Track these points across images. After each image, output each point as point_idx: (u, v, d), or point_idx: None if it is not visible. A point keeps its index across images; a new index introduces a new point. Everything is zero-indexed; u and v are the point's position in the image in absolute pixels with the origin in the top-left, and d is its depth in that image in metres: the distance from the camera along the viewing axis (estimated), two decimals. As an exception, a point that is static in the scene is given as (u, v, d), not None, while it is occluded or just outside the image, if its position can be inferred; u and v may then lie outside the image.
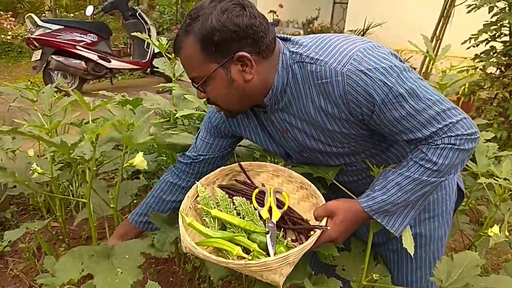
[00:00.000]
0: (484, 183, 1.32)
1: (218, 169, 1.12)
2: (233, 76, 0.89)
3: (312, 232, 0.91)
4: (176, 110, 1.61)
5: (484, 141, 1.56)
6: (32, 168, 1.32)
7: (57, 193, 1.77)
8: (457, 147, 0.85)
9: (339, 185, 1.07)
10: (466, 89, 3.32)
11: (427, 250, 1.14)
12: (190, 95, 1.64)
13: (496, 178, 1.30)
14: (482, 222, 2.09)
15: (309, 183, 1.05)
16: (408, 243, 0.93)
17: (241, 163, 1.14)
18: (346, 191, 1.05)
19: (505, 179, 1.31)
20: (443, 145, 0.85)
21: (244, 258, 0.88)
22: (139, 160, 1.19)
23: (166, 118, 2.16)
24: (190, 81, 0.96)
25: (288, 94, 0.94)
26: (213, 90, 0.93)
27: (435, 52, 3.10)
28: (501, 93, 3.03)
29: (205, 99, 0.99)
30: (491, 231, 1.26)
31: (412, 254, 0.93)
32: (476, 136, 0.87)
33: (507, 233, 1.30)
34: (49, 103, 1.49)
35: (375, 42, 0.89)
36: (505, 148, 2.85)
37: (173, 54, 1.76)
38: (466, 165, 1.49)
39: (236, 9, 0.84)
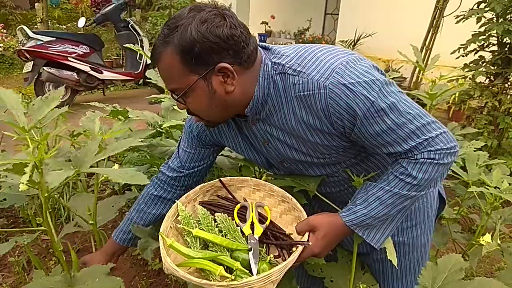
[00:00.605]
0: (475, 191, 1.33)
1: (199, 186, 1.11)
2: (214, 88, 0.87)
3: (294, 248, 0.91)
4: (163, 122, 1.61)
5: (475, 149, 1.58)
6: (21, 181, 1.30)
7: (46, 205, 1.75)
8: (436, 161, 0.86)
9: (321, 197, 1.07)
10: (456, 98, 3.36)
11: (410, 258, 1.15)
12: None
13: (487, 187, 1.31)
14: (474, 230, 2.10)
15: (290, 196, 1.06)
16: (391, 254, 0.94)
17: (221, 178, 1.14)
18: (329, 202, 1.05)
19: (495, 187, 1.32)
20: (423, 159, 0.86)
21: (227, 277, 0.87)
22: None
23: (155, 130, 2.16)
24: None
25: (269, 104, 0.93)
26: (194, 102, 0.91)
27: (425, 62, 3.14)
28: (491, 102, 3.07)
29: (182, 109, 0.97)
30: (483, 240, 1.27)
31: (396, 265, 0.94)
32: (455, 150, 0.88)
33: (499, 241, 1.31)
34: (39, 115, 1.48)
35: (357, 54, 0.89)
36: (495, 157, 2.88)
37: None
38: (457, 173, 1.50)
39: (216, 20, 0.82)
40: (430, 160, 0.86)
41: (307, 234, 0.93)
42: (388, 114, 0.83)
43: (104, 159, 1.44)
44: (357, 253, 1.17)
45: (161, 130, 1.65)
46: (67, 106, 1.46)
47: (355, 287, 1.06)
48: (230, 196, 1.13)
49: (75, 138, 2.02)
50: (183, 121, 1.63)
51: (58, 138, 2.49)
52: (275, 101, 0.92)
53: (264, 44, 0.97)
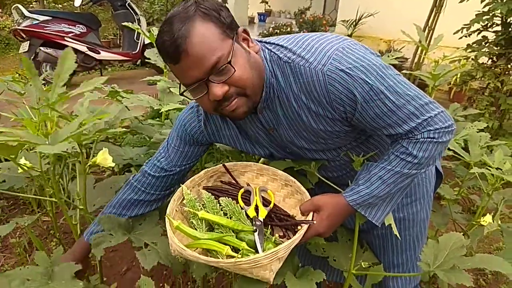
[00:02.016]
0: (477, 172, 1.32)
1: (203, 171, 1.12)
2: (247, 49, 0.88)
3: (299, 227, 0.93)
4: (160, 105, 1.58)
5: (477, 131, 1.56)
6: (20, 163, 1.29)
7: (47, 187, 1.75)
8: (436, 140, 0.87)
9: (324, 179, 1.08)
10: (458, 79, 3.33)
11: (410, 232, 1.19)
12: (176, 88, 1.62)
13: (488, 168, 1.30)
14: (474, 211, 2.11)
15: (293, 179, 1.07)
16: (394, 228, 0.98)
17: (225, 164, 1.14)
18: (332, 184, 1.06)
19: (497, 168, 1.31)
20: (423, 139, 0.87)
21: (234, 257, 0.88)
22: (102, 158, 1.10)
23: (157, 111, 2.14)
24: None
25: (273, 91, 0.94)
26: (239, 67, 0.84)
27: (427, 42, 3.10)
28: (493, 83, 3.05)
29: (223, 95, 0.86)
30: (484, 220, 1.27)
31: (398, 236, 0.97)
32: (453, 128, 0.89)
33: (499, 222, 1.31)
34: (37, 95, 1.46)
35: (351, 40, 0.90)
36: (497, 138, 2.87)
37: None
38: (459, 154, 1.49)
39: None
40: (430, 139, 0.87)
41: (311, 214, 0.95)
42: (388, 96, 0.84)
43: (94, 141, 1.39)
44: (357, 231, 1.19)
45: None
46: (65, 86, 1.43)
47: (356, 264, 1.07)
48: (233, 181, 1.13)
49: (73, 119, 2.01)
50: (180, 104, 1.61)
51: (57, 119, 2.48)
52: (278, 88, 0.93)
53: (257, 38, 0.97)
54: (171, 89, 1.70)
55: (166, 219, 0.95)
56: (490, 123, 2.99)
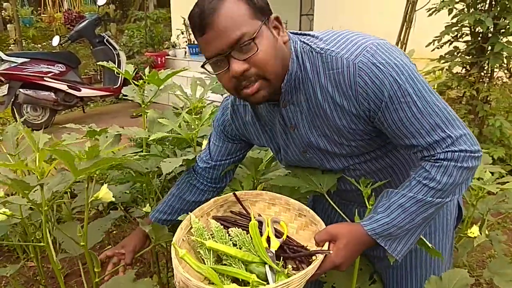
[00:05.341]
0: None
1: (212, 200, 1.09)
2: (275, 35, 0.87)
3: (314, 257, 0.87)
4: (149, 135, 1.57)
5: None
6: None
7: (30, 233, 1.71)
8: (460, 164, 0.83)
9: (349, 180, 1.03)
10: (435, 90, 3.40)
11: (427, 267, 1.10)
12: (164, 119, 1.61)
13: (470, 179, 1.31)
14: (462, 220, 2.12)
15: (307, 209, 1.02)
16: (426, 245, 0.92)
17: (236, 192, 1.11)
18: (354, 182, 1.01)
19: (479, 178, 1.33)
20: (447, 162, 0.83)
21: None
22: (104, 193, 1.16)
23: (139, 145, 2.13)
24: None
25: (300, 84, 0.92)
26: (264, 47, 0.84)
27: (401, 57, 3.16)
28: (469, 92, 3.11)
29: (241, 73, 0.86)
30: (471, 232, 1.27)
31: (432, 249, 0.91)
32: (479, 154, 0.85)
33: (487, 232, 1.31)
34: (14, 142, 1.44)
35: (387, 41, 0.89)
36: (478, 145, 2.90)
37: (141, 81, 1.74)
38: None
39: None
40: (454, 163, 0.83)
41: (326, 244, 0.88)
42: (415, 101, 0.81)
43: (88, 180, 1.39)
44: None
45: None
46: (47, 127, 1.42)
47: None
48: (244, 211, 1.09)
49: (54, 160, 1.98)
50: (169, 132, 1.60)
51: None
52: (306, 81, 0.91)
53: (292, 30, 0.98)
54: (159, 120, 1.69)
55: (172, 248, 0.91)
56: (470, 130, 3.04)
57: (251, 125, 1.10)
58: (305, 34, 0.94)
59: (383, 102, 0.83)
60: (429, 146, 0.84)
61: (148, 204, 1.63)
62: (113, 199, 1.18)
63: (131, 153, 1.31)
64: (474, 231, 1.25)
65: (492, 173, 1.36)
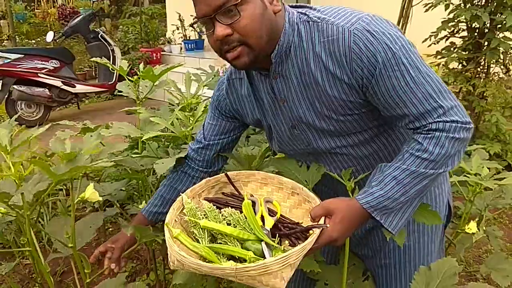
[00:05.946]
0: (456, 180, 1.33)
1: (204, 180, 1.07)
2: (265, 3, 0.88)
3: (311, 232, 0.86)
4: (142, 134, 1.55)
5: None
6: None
7: (29, 227, 1.68)
8: (452, 135, 0.84)
9: (336, 176, 1.03)
10: (431, 86, 3.39)
11: (416, 264, 1.10)
12: (156, 118, 1.60)
13: (467, 175, 1.31)
14: (460, 215, 2.12)
15: (301, 186, 1.01)
16: (401, 237, 0.92)
17: (227, 173, 1.09)
18: (337, 177, 1.01)
19: (476, 174, 1.32)
20: (438, 132, 0.84)
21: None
22: (90, 193, 1.11)
23: (135, 141, 2.11)
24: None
25: (292, 55, 0.93)
26: (248, 14, 0.85)
27: (398, 52, 3.15)
28: (465, 87, 3.12)
29: (223, 37, 0.87)
30: (469, 228, 1.27)
31: (401, 245, 0.92)
32: (470, 126, 0.86)
33: (484, 228, 1.31)
34: (8, 139, 1.42)
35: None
36: (474, 140, 2.92)
37: (135, 77, 1.72)
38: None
39: None
40: (445, 134, 0.84)
41: (322, 218, 0.88)
42: (408, 70, 0.83)
43: (79, 178, 1.38)
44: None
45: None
46: (41, 124, 1.40)
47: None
48: (236, 192, 1.08)
49: (50, 157, 1.96)
50: (161, 131, 1.58)
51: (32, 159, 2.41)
52: (298, 50, 0.93)
53: (290, 4, 0.99)
54: (151, 119, 1.68)
55: (165, 228, 0.89)
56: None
57: (246, 98, 1.10)
58: (304, 7, 0.96)
59: (377, 69, 0.84)
60: (421, 116, 0.85)
61: (144, 201, 1.61)
62: (100, 199, 1.13)
63: (125, 150, 1.30)
64: (471, 227, 1.24)
65: (489, 169, 1.35)
